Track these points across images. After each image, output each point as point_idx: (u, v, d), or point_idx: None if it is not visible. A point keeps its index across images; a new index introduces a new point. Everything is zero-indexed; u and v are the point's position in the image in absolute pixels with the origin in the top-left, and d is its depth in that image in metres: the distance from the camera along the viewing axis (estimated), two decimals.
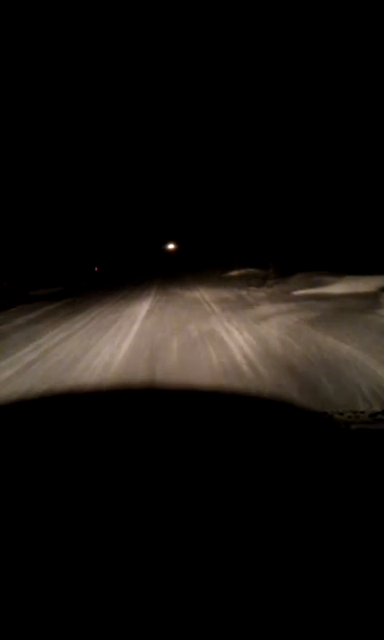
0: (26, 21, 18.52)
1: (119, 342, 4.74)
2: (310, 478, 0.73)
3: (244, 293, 8.59)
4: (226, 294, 8.81)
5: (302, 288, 7.60)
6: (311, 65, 11.52)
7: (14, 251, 16.01)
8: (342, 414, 1.14)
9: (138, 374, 3.34)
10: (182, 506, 0.66)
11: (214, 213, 26.36)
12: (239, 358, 3.60)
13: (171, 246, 44.66)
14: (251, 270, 14.00)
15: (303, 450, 0.84)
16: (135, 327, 5.63)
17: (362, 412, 1.16)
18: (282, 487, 0.70)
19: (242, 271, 14.03)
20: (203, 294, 9.15)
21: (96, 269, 22.57)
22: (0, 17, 16.54)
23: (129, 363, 3.73)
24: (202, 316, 6.08)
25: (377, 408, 1.36)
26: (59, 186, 19.16)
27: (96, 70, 24.11)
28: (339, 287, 6.89)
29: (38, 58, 19.34)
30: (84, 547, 0.58)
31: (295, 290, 7.59)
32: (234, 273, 14.02)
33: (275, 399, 2.00)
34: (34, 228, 18.25)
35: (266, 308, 6.17)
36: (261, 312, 5.92)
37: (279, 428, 1.00)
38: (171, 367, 3.46)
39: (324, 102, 11.50)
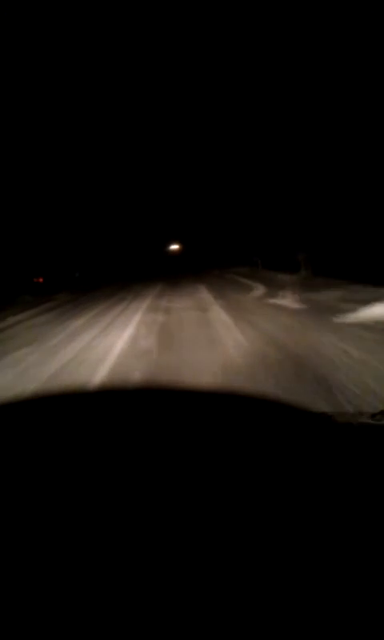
0: (26, 20, 18.38)
1: None
2: (310, 478, 0.73)
3: None
4: None
5: None
6: (312, 63, 11.30)
7: None
8: (342, 414, 1.12)
9: None
10: (182, 505, 0.66)
11: (227, 207, 21.36)
12: None
13: (175, 247, 37.86)
14: None
15: (303, 450, 0.83)
16: None
17: (362, 412, 1.13)
18: (282, 487, 0.70)
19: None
20: None
21: (41, 279, 13.11)
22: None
23: None
24: None
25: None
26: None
27: (97, 68, 24.00)
28: None
29: (39, 58, 19.37)
30: (83, 546, 0.57)
31: None
32: (374, 313, 3.57)
33: (275, 400, 2.00)
34: None
35: None
36: None
37: (279, 428, 0.99)
38: None
39: (326, 92, 11.03)
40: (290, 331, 3.92)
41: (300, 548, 0.55)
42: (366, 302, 4.45)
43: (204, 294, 7.56)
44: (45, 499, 0.69)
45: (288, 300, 5.89)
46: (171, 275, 13.84)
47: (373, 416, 1.06)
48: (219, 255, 21.25)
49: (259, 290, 7.63)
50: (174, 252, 36.69)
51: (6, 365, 3.76)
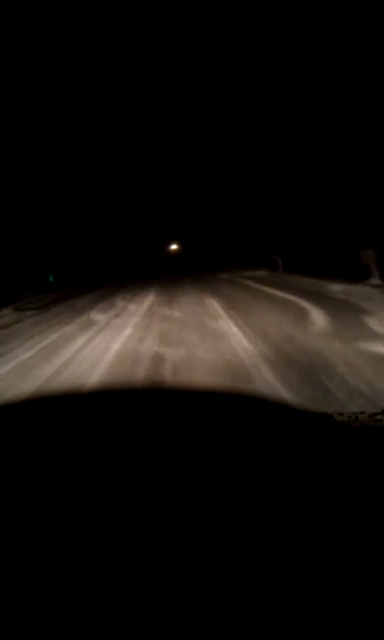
0: (26, 20, 18.68)
1: None
2: (310, 478, 0.73)
3: None
4: None
5: None
6: (312, 61, 11.36)
7: None
8: (341, 414, 1.11)
9: None
10: (182, 505, 0.67)
11: (234, 196, 19.51)
12: None
13: (173, 247, 35.85)
14: None
15: (303, 450, 0.84)
16: None
17: (362, 412, 1.14)
18: (282, 487, 0.70)
19: None
20: None
21: None
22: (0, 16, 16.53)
23: None
24: None
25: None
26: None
27: (96, 68, 23.89)
28: None
29: (38, 57, 19.42)
30: (84, 547, 0.58)
31: None
32: None
33: (275, 400, 2.02)
34: None
35: None
36: None
37: (279, 428, 0.99)
38: None
39: (326, 89, 11.15)
40: None
41: (299, 548, 0.56)
42: None
43: (223, 323, 4.35)
44: (46, 497, 0.70)
45: None
46: (169, 280, 10.66)
47: (372, 416, 1.06)
48: (224, 255, 18.08)
49: (315, 312, 4.44)
50: (172, 252, 33.73)
51: None
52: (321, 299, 5.24)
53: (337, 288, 5.99)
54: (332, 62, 10.71)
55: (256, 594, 0.49)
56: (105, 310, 6.07)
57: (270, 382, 2.43)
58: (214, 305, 5.64)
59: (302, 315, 4.40)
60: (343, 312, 4.35)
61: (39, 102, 18.36)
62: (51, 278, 13.15)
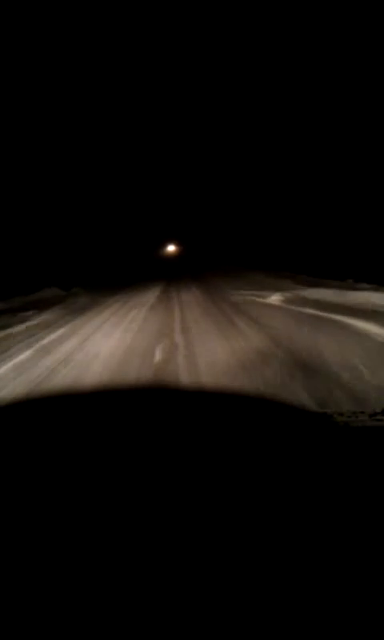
0: (26, 20, 17.82)
1: None
2: (310, 478, 0.72)
3: None
4: None
5: None
6: (312, 60, 11.57)
7: None
8: (342, 414, 1.09)
9: None
10: (183, 504, 0.65)
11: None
12: None
13: (172, 248, 31.21)
14: None
15: (303, 450, 0.82)
16: None
17: (362, 412, 1.10)
18: (282, 487, 0.69)
19: None
20: None
21: None
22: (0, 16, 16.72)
23: None
24: None
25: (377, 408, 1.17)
26: None
27: (95, 66, 22.71)
28: None
29: (38, 57, 18.64)
30: (84, 546, 0.56)
31: None
32: None
33: (275, 400, 1.99)
34: None
35: None
36: None
37: (279, 428, 0.97)
38: None
39: (326, 87, 11.34)
40: None
41: (300, 546, 0.53)
42: None
43: None
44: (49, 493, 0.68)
45: None
46: (166, 301, 5.47)
47: (372, 416, 1.03)
48: (246, 257, 12.90)
49: None
50: (169, 255, 28.20)
51: None
52: None
53: None
54: (335, 59, 10.45)
55: (256, 590, 0.47)
56: None
57: None
58: None
59: None
60: None
61: (35, 102, 17.95)
62: None
